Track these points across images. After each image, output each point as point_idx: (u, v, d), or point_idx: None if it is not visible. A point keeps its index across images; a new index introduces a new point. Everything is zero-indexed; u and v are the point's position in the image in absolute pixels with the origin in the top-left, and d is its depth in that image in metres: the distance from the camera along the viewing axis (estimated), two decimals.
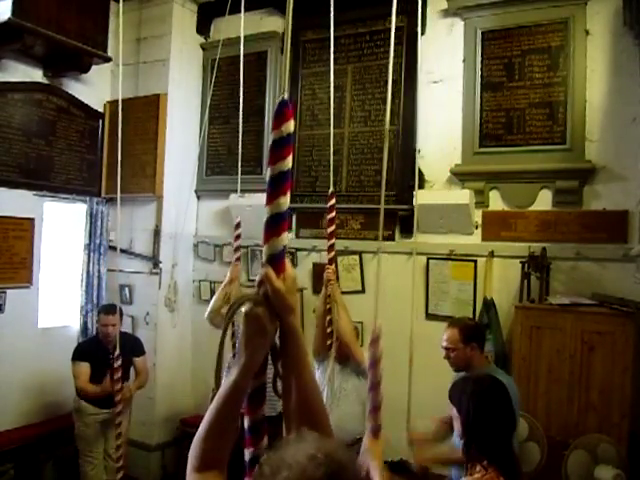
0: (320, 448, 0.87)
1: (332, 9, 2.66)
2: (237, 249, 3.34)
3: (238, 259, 3.39)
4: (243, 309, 1.06)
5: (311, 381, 1.13)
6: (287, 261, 1.09)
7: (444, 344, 2.69)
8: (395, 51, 4.06)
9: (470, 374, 2.35)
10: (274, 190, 1.06)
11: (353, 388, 3.24)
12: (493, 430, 1.88)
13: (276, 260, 1.06)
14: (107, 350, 3.53)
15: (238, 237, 3.32)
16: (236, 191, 4.41)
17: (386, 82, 4.14)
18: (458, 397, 1.99)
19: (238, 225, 3.32)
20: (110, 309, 3.71)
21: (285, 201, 1.07)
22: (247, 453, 1.10)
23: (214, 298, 3.55)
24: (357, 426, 3.10)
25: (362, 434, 3.31)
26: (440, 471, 3.08)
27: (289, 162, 1.06)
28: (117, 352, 3.11)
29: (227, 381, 1.04)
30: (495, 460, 1.82)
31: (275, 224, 1.06)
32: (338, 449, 0.89)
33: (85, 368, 3.72)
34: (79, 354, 3.79)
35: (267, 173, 1.07)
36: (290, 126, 1.06)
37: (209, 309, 3.53)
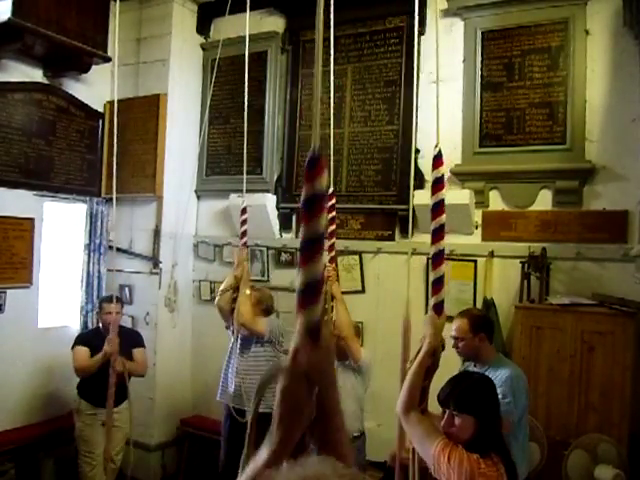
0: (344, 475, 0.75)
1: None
2: (244, 234, 3.47)
3: (244, 244, 3.51)
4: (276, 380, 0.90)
5: (346, 443, 0.98)
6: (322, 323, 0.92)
7: (453, 333, 2.69)
8: (395, 51, 4.10)
9: (455, 375, 2.25)
10: (308, 254, 0.90)
11: (351, 387, 3.23)
12: (499, 418, 1.90)
13: (313, 332, 0.89)
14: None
15: (244, 222, 3.46)
16: (236, 191, 4.44)
17: (386, 82, 4.14)
18: (456, 396, 1.94)
19: (244, 210, 3.47)
20: (111, 298, 3.68)
21: (319, 266, 0.91)
22: None
23: (224, 282, 3.71)
24: (354, 423, 3.17)
25: (358, 431, 3.33)
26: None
27: (322, 221, 0.92)
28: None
29: (254, 467, 0.87)
30: (498, 448, 1.83)
31: (310, 294, 0.89)
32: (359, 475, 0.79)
33: (84, 351, 3.67)
34: (79, 340, 3.80)
35: (300, 235, 0.92)
36: (323, 182, 0.93)
37: (218, 294, 3.71)
